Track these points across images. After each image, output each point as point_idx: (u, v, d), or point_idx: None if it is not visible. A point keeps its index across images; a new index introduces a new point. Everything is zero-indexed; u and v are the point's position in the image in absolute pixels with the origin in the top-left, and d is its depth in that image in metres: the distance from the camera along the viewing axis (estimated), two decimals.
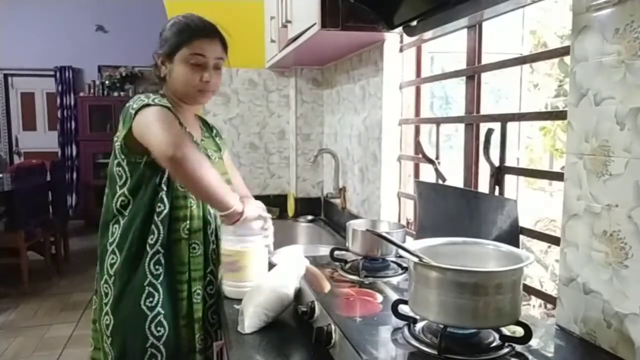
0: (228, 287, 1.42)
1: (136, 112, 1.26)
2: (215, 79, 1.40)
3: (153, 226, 1.33)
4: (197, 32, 1.37)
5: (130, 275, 1.33)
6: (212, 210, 1.44)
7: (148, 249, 1.33)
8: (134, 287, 1.32)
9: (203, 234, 1.41)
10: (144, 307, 1.32)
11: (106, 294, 1.36)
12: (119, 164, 1.36)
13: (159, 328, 1.33)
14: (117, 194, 1.35)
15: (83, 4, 6.78)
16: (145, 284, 1.32)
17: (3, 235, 4.18)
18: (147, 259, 1.33)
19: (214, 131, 1.63)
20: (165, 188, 1.33)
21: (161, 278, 1.34)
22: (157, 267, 1.33)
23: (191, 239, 1.38)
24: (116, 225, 1.36)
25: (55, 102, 6.89)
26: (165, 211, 1.33)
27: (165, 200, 1.33)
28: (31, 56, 6.72)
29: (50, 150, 6.89)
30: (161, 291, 1.33)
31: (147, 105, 1.26)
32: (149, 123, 1.24)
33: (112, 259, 1.35)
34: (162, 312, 1.33)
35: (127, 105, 1.30)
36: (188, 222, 1.37)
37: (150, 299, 1.33)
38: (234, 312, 1.28)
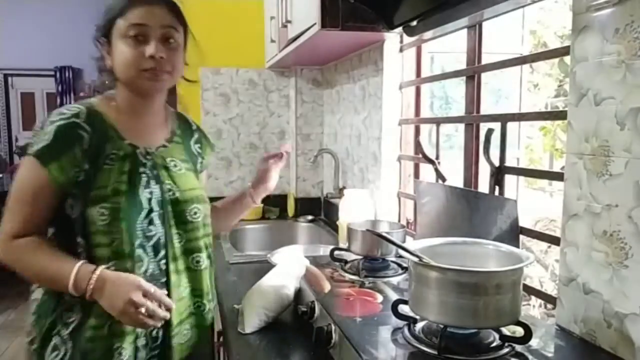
0: None
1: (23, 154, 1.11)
2: (167, 54, 1.10)
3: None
4: (118, 6, 1.10)
5: (42, 315, 1.10)
6: (147, 247, 1.11)
7: (66, 297, 1.07)
8: (43, 329, 1.09)
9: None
10: None
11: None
12: None
13: None
14: None
15: (83, 4, 6.77)
16: (53, 333, 1.07)
17: None
18: (61, 304, 1.08)
19: (196, 135, 1.31)
20: (81, 220, 1.07)
21: (72, 327, 1.07)
22: (69, 314, 1.07)
23: None
24: None
25: (55, 102, 6.89)
26: (83, 253, 1.07)
27: (80, 239, 1.07)
28: (31, 56, 6.72)
29: None
30: (70, 346, 1.07)
31: (27, 153, 1.06)
32: (12, 189, 1.08)
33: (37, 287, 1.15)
34: None
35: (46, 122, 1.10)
36: (110, 262, 1.07)
37: (56, 353, 1.07)
38: (233, 312, 1.28)
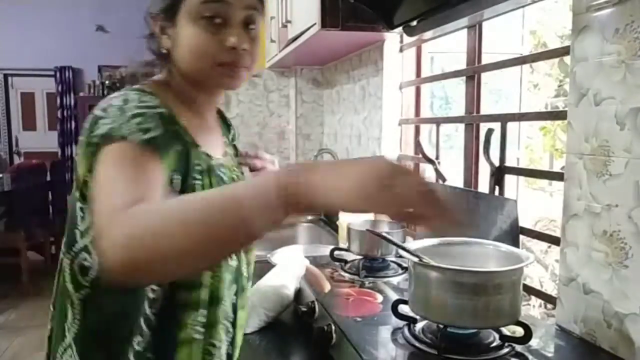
0: None
1: (98, 144, 0.68)
2: (249, 44, 0.82)
3: (141, 319, 0.75)
4: None
5: None
6: (245, 271, 0.89)
7: (131, 356, 0.75)
8: None
9: (226, 325, 0.84)
10: None
11: None
12: (82, 196, 0.74)
13: None
14: (77, 246, 0.76)
15: (83, 4, 6.78)
16: None
17: (3, 235, 4.18)
18: None
19: (232, 132, 1.09)
20: None
21: None
22: None
23: (209, 336, 0.81)
24: (76, 304, 0.77)
25: (55, 102, 6.89)
26: (161, 298, 0.76)
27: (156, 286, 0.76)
28: (31, 56, 6.72)
29: (50, 150, 6.88)
30: None
31: (114, 136, 0.67)
32: (101, 179, 0.65)
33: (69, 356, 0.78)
34: None
35: (92, 118, 0.72)
36: (204, 310, 0.79)
37: None
38: None
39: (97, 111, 0.73)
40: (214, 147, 0.89)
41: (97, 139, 0.68)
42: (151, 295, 0.75)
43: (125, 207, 0.57)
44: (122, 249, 0.53)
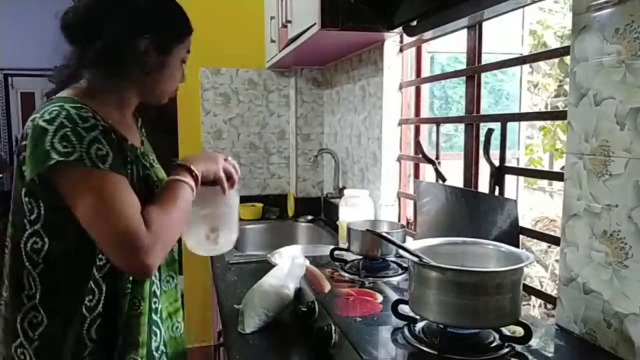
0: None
1: (59, 162, 0.85)
2: None
3: (91, 283, 0.93)
4: (190, 25, 1.09)
5: (64, 344, 0.95)
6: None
7: (85, 312, 0.93)
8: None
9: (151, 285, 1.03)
10: None
11: None
12: (29, 193, 0.94)
13: None
14: (27, 232, 0.95)
15: None
16: (85, 355, 0.94)
17: (3, 235, 4.18)
18: (86, 325, 0.94)
19: (139, 120, 1.22)
20: None
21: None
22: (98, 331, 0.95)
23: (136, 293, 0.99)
24: (34, 274, 0.95)
25: None
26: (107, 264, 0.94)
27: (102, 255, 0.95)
28: (31, 56, 6.72)
29: None
30: None
31: (78, 162, 0.86)
32: (104, 205, 0.87)
33: (35, 317, 0.95)
34: None
35: (37, 128, 0.89)
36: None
37: None
38: (234, 312, 1.28)
39: (41, 122, 0.89)
40: (135, 138, 1.09)
41: (57, 156, 0.85)
42: (99, 263, 0.94)
43: (143, 226, 0.88)
44: (159, 257, 0.91)
